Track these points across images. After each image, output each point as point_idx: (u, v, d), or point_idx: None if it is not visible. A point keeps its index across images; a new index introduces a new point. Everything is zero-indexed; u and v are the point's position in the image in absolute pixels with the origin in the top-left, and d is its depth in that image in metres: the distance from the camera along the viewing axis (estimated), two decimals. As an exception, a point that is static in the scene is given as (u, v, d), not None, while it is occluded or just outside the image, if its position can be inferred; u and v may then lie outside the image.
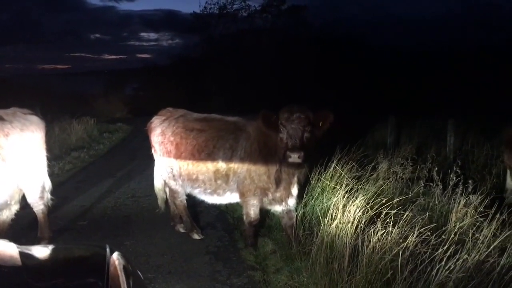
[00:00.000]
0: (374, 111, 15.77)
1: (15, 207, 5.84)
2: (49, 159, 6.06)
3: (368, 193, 5.75)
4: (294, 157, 4.94)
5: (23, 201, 5.90)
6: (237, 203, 6.18)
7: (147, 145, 6.83)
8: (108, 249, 2.11)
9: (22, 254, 2.04)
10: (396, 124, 11.86)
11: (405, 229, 4.54)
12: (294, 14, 31.74)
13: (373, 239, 4.42)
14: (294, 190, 5.61)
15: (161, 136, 6.32)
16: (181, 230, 6.62)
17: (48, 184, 6.02)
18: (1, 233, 5.74)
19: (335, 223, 4.96)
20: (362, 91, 21.02)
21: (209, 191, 6.02)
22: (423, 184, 6.32)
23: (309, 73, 23.30)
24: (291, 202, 5.67)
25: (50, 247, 2.19)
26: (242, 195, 5.78)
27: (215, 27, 33.69)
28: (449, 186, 5.86)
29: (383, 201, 5.21)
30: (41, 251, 2.13)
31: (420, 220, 4.67)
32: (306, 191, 6.37)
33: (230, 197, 6.00)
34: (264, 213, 6.33)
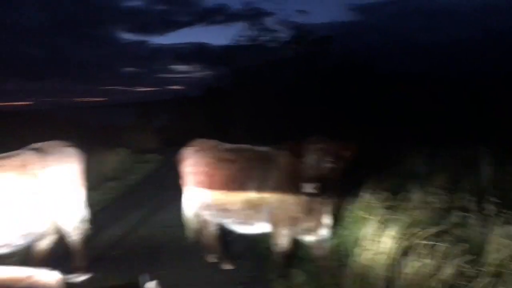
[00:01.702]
0: (405, 140, 15.55)
1: (52, 237, 6.01)
2: (85, 190, 6.23)
3: (401, 224, 5.64)
4: (309, 188, 4.94)
5: (60, 231, 6.06)
6: (268, 233, 6.16)
7: (179, 176, 6.93)
8: (143, 279, 2.16)
9: (60, 283, 2.11)
10: (429, 152, 11.65)
11: (441, 260, 4.42)
12: (322, 45, 32.03)
13: (407, 271, 4.32)
14: (326, 220, 5.56)
15: (192, 166, 6.42)
16: (212, 260, 6.62)
17: (84, 214, 6.18)
18: (39, 262, 5.89)
19: (367, 254, 4.88)
20: (393, 119, 20.79)
21: (239, 221, 6.03)
22: (459, 214, 6.16)
23: (338, 103, 23.27)
24: (323, 232, 5.61)
25: (87, 276, 2.25)
26: (273, 225, 5.77)
27: (245, 59, 34.30)
28: (486, 217, 5.70)
29: (417, 232, 5.10)
30: (79, 280, 2.19)
31: (456, 252, 4.55)
32: (337, 221, 6.30)
33: (261, 227, 5.99)
34: (295, 243, 6.28)
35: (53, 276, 2.13)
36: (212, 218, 6.37)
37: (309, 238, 5.78)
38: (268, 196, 5.72)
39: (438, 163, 11.85)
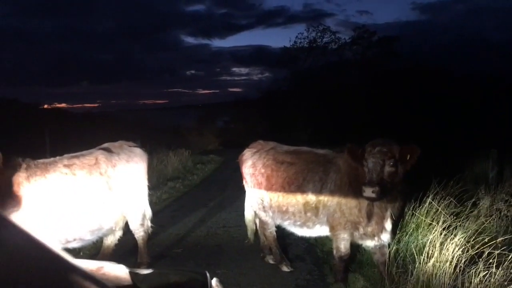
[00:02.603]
0: (474, 144, 14.86)
1: (118, 233, 6.31)
2: (148, 189, 6.47)
3: (468, 231, 5.39)
4: (368, 192, 4.81)
5: (125, 227, 6.35)
6: (327, 237, 6.10)
7: (238, 177, 7.03)
8: (208, 276, 2.21)
9: (128, 275, 2.21)
10: (499, 158, 11.06)
11: (511, 271, 4.19)
12: (384, 46, 31.27)
13: (474, 281, 4.14)
14: (387, 225, 5.42)
15: (252, 168, 6.49)
16: (271, 261, 6.66)
17: (149, 212, 6.43)
18: (105, 256, 6.20)
19: (431, 261, 4.72)
20: (461, 123, 19.92)
21: (298, 223, 6.02)
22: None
23: (402, 105, 22.61)
24: (384, 237, 5.47)
25: (153, 270, 2.33)
26: (332, 228, 5.71)
27: (305, 61, 34.21)
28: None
29: (485, 240, 4.86)
30: (146, 274, 2.28)
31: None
32: (399, 226, 6.13)
33: (320, 230, 5.95)
34: (355, 247, 6.18)
35: (121, 269, 2.23)
36: (272, 220, 6.41)
37: (369, 243, 5.66)
38: (327, 199, 5.67)
39: (509, 168, 11.22)
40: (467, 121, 20.10)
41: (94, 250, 6.84)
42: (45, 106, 30.17)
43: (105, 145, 6.12)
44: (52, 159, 5.55)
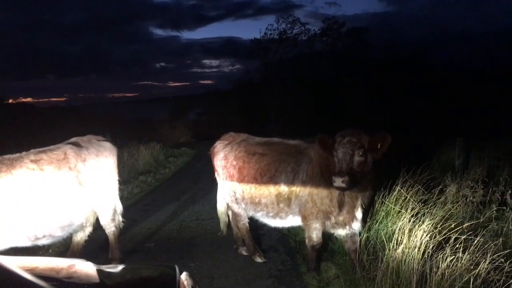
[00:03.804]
0: (440, 133, 15.24)
1: (89, 229, 6.22)
2: (119, 183, 6.38)
3: (436, 217, 5.53)
4: (338, 182, 4.86)
5: (95, 223, 6.25)
6: (300, 227, 6.16)
7: (210, 169, 7.02)
8: (177, 269, 2.20)
9: (98, 272, 2.18)
10: (465, 146, 11.36)
11: (477, 255, 4.33)
12: (354, 37, 31.58)
13: (442, 266, 4.25)
14: (358, 214, 5.51)
15: (224, 160, 6.47)
16: (244, 253, 6.69)
17: (119, 207, 6.34)
18: (76, 253, 6.10)
19: (400, 248, 4.82)
20: (427, 113, 20.37)
21: (271, 214, 6.05)
22: (495, 208, 6.00)
23: (371, 96, 22.94)
24: (355, 226, 5.57)
25: (123, 266, 2.31)
26: (304, 218, 5.76)
27: (275, 52, 34.23)
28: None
29: (452, 226, 5.00)
30: (115, 270, 2.25)
31: (493, 246, 4.44)
32: (370, 214, 6.24)
33: (292, 221, 6.00)
34: (327, 237, 6.27)
35: (91, 266, 2.20)
36: (244, 211, 6.42)
37: (341, 232, 5.74)
38: (299, 190, 5.71)
39: (474, 155, 11.55)
40: (434, 110, 20.57)
41: (64, 247, 6.72)
42: (10, 100, 29.30)
43: (74, 139, 5.99)
44: (18, 154, 5.40)
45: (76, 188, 5.48)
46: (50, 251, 6.63)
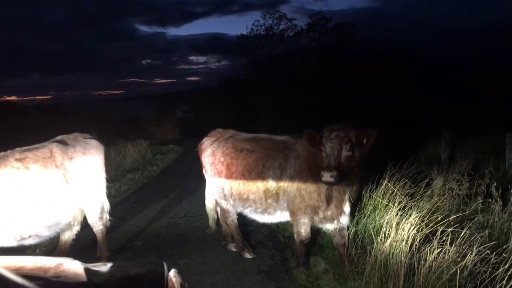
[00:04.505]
0: (427, 127, 15.38)
1: (76, 228, 6.16)
2: (106, 181, 6.33)
3: (423, 210, 5.58)
4: (326, 177, 4.90)
5: (83, 221, 6.20)
6: (288, 222, 6.18)
7: (198, 166, 6.99)
8: (165, 267, 2.19)
9: (86, 271, 2.16)
10: (450, 139, 11.50)
11: (463, 247, 4.37)
12: (340, 32, 31.64)
13: (429, 258, 4.29)
14: (346, 208, 5.55)
15: (211, 156, 6.46)
16: (233, 249, 6.69)
17: (107, 205, 6.30)
18: (63, 252, 6.04)
19: (388, 241, 4.86)
20: (414, 107, 20.54)
21: (259, 210, 6.06)
22: (481, 201, 6.08)
23: (358, 91, 23.05)
24: (343, 220, 5.60)
25: (111, 264, 2.29)
26: (292, 213, 5.78)
27: (262, 48, 34.15)
28: (510, 202, 5.61)
29: (439, 219, 5.05)
30: (103, 268, 2.24)
31: (479, 238, 4.49)
32: (357, 209, 6.28)
33: (281, 216, 6.02)
34: (316, 231, 6.29)
35: (79, 265, 2.18)
36: (233, 208, 6.42)
37: (329, 226, 5.78)
38: (287, 185, 5.73)
39: (460, 149, 11.69)
40: (420, 105, 20.75)
41: (51, 246, 6.65)
42: (-5, 99, 28.86)
43: (60, 137, 5.92)
44: (2, 153, 5.32)
45: (62, 187, 5.42)
46: (38, 250, 6.56)
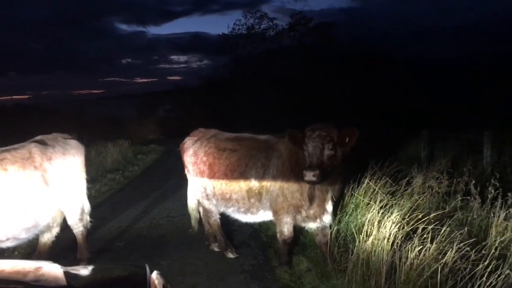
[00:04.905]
0: (406, 126, 15.58)
1: (56, 229, 6.04)
2: (87, 182, 6.23)
3: (403, 208, 5.66)
4: (309, 176, 4.91)
5: (63, 223, 6.09)
6: (271, 221, 6.18)
7: (180, 166, 6.95)
8: (147, 269, 2.17)
9: (66, 274, 2.12)
10: (430, 138, 11.66)
11: (443, 244, 4.44)
12: (322, 32, 31.83)
13: (410, 256, 4.35)
14: (329, 207, 5.57)
15: (193, 156, 6.42)
16: (216, 249, 6.66)
17: (87, 206, 6.20)
18: (42, 255, 5.93)
19: (370, 239, 4.91)
20: (394, 107, 20.78)
21: (242, 209, 6.05)
22: (460, 198, 6.17)
23: (339, 90, 23.23)
24: (326, 219, 5.63)
25: (92, 267, 2.26)
26: (275, 213, 5.79)
27: (244, 47, 34.15)
28: (488, 200, 5.71)
29: (419, 216, 5.12)
30: (84, 272, 2.20)
31: (459, 235, 4.57)
32: (340, 207, 6.32)
33: (264, 215, 6.02)
34: (298, 230, 6.31)
35: (58, 268, 2.14)
36: (215, 207, 6.39)
37: (312, 225, 5.80)
38: (270, 184, 5.73)
39: (439, 147, 11.87)
40: (401, 104, 21.01)
41: (30, 249, 6.52)
42: (-30, 100, 28.18)
43: (39, 137, 5.80)
44: (-21, 155, 5.20)
45: (41, 188, 5.32)
46: (16, 253, 6.42)
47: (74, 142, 5.97)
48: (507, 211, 5.21)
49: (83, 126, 20.33)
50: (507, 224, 5.01)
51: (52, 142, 5.72)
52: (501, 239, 4.74)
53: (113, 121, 31.81)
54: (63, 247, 6.55)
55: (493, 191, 5.65)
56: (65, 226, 6.09)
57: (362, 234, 5.09)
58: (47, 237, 6.01)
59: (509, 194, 5.48)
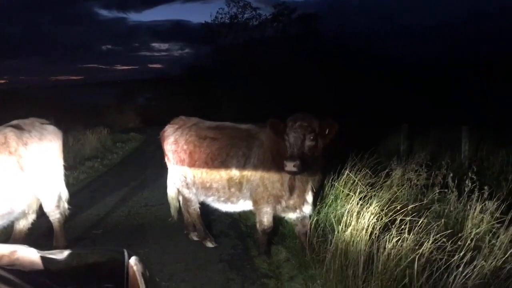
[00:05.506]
0: (386, 120, 15.74)
1: (32, 216, 5.91)
2: (64, 169, 6.12)
3: (382, 200, 5.71)
4: (290, 166, 4.91)
5: (39, 210, 5.98)
6: (251, 211, 6.17)
7: (160, 154, 6.88)
8: (126, 254, 2.13)
9: (42, 258, 2.07)
10: (409, 132, 11.81)
11: (421, 235, 4.51)
12: (304, 23, 31.81)
13: (388, 246, 4.39)
14: (309, 197, 5.59)
15: (174, 144, 6.36)
16: (195, 238, 6.63)
17: (65, 194, 6.09)
18: (18, 242, 5.81)
19: (349, 230, 4.94)
20: (374, 100, 20.97)
21: (222, 199, 6.03)
22: (438, 191, 6.26)
23: (320, 82, 23.30)
24: (306, 209, 5.65)
25: (69, 252, 2.21)
26: (255, 202, 5.78)
27: (226, 37, 33.93)
28: (465, 193, 5.81)
29: (398, 208, 5.18)
30: (60, 256, 2.15)
31: (436, 227, 4.64)
32: (320, 198, 6.35)
33: (244, 205, 6.00)
34: (278, 220, 6.32)
35: (34, 252, 2.09)
36: (195, 196, 6.35)
37: (292, 216, 5.81)
38: (251, 174, 5.71)
39: (418, 141, 12.04)
40: (381, 98, 21.21)
41: (5, 236, 6.39)
42: None
43: (15, 122, 5.64)
44: (-49, 139, 5.04)
45: (16, 174, 5.19)
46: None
47: (51, 128, 5.83)
48: (483, 204, 5.31)
49: (61, 112, 19.95)
50: (482, 217, 5.11)
51: (29, 127, 5.58)
52: (476, 231, 4.84)
53: (92, 108, 31.41)
54: (39, 234, 6.44)
55: (470, 184, 5.74)
56: (41, 213, 5.98)
57: (341, 224, 5.13)
58: (23, 224, 5.89)
59: (485, 187, 5.59)
